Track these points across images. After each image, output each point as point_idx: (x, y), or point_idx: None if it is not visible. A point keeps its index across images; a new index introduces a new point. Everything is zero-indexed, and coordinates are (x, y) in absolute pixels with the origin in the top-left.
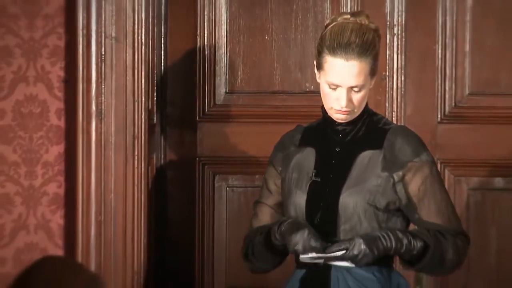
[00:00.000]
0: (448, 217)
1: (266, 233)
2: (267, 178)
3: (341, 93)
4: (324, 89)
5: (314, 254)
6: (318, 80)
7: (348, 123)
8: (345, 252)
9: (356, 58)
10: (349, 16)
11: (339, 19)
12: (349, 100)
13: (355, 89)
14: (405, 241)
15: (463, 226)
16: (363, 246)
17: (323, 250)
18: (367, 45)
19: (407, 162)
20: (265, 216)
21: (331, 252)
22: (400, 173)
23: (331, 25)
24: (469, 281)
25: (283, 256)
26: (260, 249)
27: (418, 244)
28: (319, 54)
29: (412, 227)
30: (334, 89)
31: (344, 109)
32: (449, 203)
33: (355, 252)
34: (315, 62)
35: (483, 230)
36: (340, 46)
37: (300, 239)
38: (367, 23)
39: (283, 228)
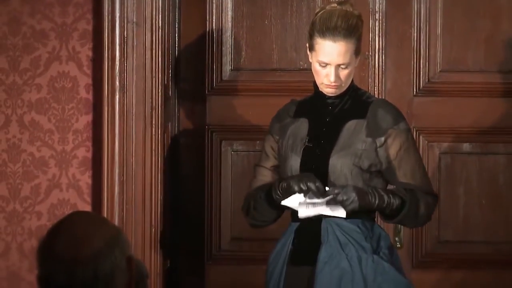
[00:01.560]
0: (420, 178)
1: (268, 189)
2: (265, 145)
3: (330, 70)
4: (316, 67)
5: (310, 203)
6: (310, 60)
7: (337, 97)
8: (338, 195)
9: (342, 39)
10: (336, 5)
11: (327, 7)
12: (337, 76)
13: (342, 66)
14: (386, 199)
15: (436, 185)
16: (353, 194)
17: (320, 190)
18: (351, 28)
19: (388, 129)
20: (263, 177)
21: (328, 195)
22: (382, 138)
23: (320, 12)
24: (441, 231)
25: (281, 210)
26: (262, 203)
27: (396, 201)
28: (311, 37)
29: (389, 187)
30: (324, 66)
31: (333, 84)
32: (422, 166)
33: (345, 197)
34: (307, 45)
35: (453, 188)
36: (328, 30)
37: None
38: (351, 10)
39: (284, 184)
